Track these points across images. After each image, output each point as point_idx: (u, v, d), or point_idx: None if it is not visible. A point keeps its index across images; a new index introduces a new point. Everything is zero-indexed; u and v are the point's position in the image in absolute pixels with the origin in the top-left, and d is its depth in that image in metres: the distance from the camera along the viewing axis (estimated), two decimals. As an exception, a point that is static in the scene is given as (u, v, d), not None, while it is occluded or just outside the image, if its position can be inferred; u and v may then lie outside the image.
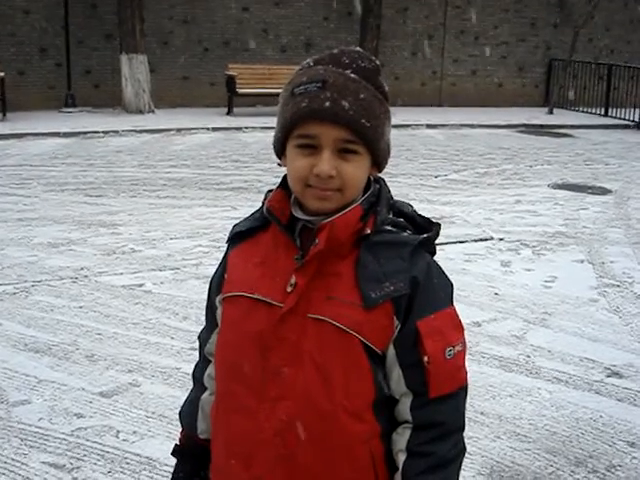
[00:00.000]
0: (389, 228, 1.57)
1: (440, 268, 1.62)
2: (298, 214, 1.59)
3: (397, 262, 1.54)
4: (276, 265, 1.59)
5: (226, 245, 1.73)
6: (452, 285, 1.63)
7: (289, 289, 1.55)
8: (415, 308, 1.54)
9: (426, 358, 1.53)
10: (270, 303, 1.57)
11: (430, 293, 1.55)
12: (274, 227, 1.61)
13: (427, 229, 1.61)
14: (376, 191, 1.61)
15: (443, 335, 1.55)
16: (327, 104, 1.48)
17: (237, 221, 1.74)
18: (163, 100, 15.52)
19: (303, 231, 1.59)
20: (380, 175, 1.64)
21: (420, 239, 1.57)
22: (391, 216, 1.60)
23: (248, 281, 1.61)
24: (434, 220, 1.65)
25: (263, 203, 1.64)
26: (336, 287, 1.54)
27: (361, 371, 1.54)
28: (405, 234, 1.58)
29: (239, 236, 1.68)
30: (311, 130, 1.50)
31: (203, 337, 1.81)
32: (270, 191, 1.65)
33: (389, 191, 1.64)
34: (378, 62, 1.58)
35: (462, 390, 1.61)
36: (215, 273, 1.75)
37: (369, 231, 1.55)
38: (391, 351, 1.56)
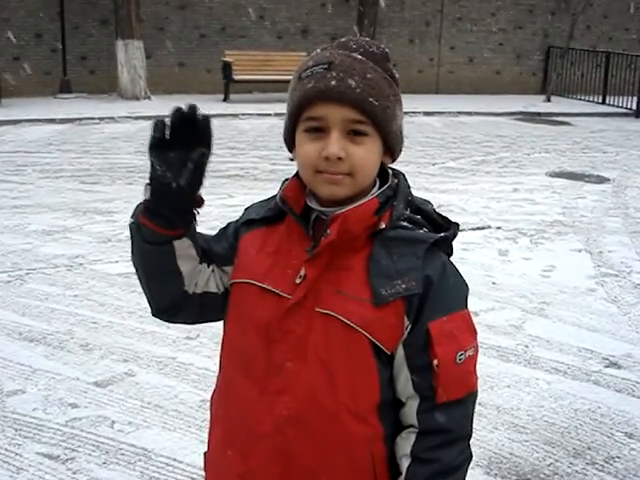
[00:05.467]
0: (405, 224, 1.52)
1: (456, 269, 1.56)
2: (313, 204, 1.55)
3: (411, 260, 1.49)
4: (289, 256, 1.54)
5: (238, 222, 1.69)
6: (468, 287, 1.58)
7: (298, 281, 1.51)
8: (427, 308, 1.48)
9: (436, 362, 1.47)
10: (279, 294, 1.53)
11: (444, 294, 1.50)
12: (289, 217, 1.57)
13: (445, 228, 1.56)
14: (394, 185, 1.56)
15: (455, 338, 1.50)
16: (333, 83, 1.44)
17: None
18: (159, 86, 15.42)
19: (317, 222, 1.54)
20: (395, 166, 1.59)
21: (436, 238, 1.52)
22: (408, 212, 1.54)
23: (259, 269, 1.56)
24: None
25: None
26: (346, 282, 1.49)
27: (367, 371, 1.49)
28: (421, 232, 1.53)
29: (253, 222, 1.64)
30: (318, 112, 1.46)
31: (213, 241, 1.76)
32: (287, 180, 1.60)
33: (409, 187, 1.58)
34: (387, 50, 1.54)
35: (471, 396, 1.55)
36: (228, 225, 1.73)
37: (384, 226, 1.50)
38: (400, 352, 1.50)
